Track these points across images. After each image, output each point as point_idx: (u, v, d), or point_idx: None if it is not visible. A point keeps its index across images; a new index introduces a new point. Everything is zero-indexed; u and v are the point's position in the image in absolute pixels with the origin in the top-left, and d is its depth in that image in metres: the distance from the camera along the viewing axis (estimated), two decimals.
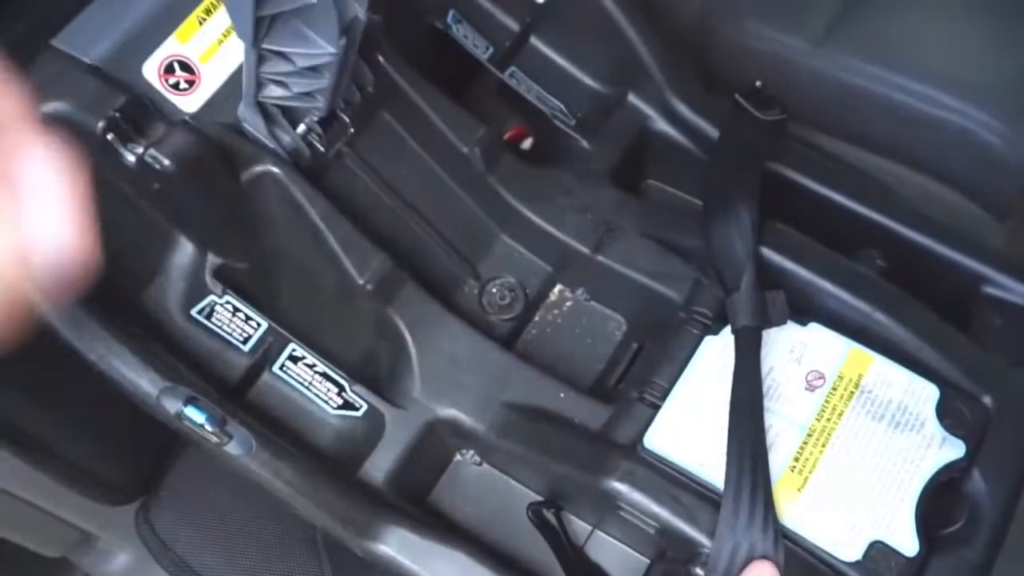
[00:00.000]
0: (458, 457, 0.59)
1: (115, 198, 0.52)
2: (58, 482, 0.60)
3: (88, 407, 0.60)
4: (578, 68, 0.65)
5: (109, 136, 0.48)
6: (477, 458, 0.59)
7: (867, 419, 0.50)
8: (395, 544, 0.51)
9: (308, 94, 0.48)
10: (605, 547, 0.56)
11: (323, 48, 0.42)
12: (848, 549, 0.47)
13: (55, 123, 0.48)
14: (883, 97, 0.67)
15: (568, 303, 0.64)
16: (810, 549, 0.47)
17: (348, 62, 0.47)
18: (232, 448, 0.48)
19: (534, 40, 0.65)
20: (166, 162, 0.46)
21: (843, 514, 0.48)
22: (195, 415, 0.46)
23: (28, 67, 0.49)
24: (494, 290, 0.63)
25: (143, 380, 0.47)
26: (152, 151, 0.46)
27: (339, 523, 0.50)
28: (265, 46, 0.42)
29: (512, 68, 0.64)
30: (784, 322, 0.51)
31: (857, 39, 0.69)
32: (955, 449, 0.50)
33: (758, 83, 0.56)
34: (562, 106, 0.64)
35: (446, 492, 0.59)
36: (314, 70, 0.45)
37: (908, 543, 0.47)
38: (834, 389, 0.51)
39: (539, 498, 0.57)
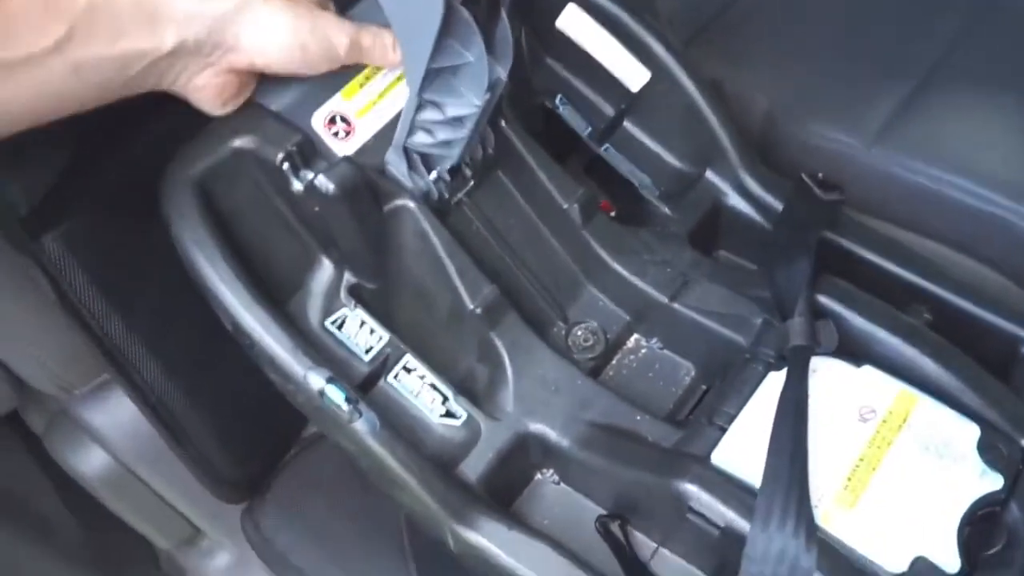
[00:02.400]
0: (539, 476, 0.66)
1: (278, 222, 0.63)
2: (186, 465, 0.68)
3: (222, 407, 0.69)
4: (664, 148, 0.75)
5: (284, 166, 0.59)
6: (556, 477, 0.66)
7: (914, 449, 0.56)
8: (486, 530, 0.58)
9: (447, 143, 0.59)
10: (668, 564, 0.62)
11: (470, 101, 0.53)
12: (894, 562, 0.53)
13: (243, 155, 0.60)
14: (932, 190, 0.76)
15: (643, 350, 0.72)
16: (858, 559, 0.53)
17: (484, 118, 0.57)
18: (360, 425, 0.56)
19: (627, 123, 0.76)
20: (331, 187, 0.57)
21: (891, 531, 0.54)
22: (334, 392, 0.55)
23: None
24: (579, 332, 0.71)
25: (294, 360, 0.56)
26: (321, 177, 0.57)
27: (440, 504, 0.58)
28: (426, 95, 0.53)
29: (607, 145, 0.75)
30: (833, 347, 0.58)
31: (908, 139, 0.79)
32: (994, 482, 0.55)
33: (820, 175, 0.66)
34: (648, 179, 0.75)
35: (526, 505, 0.66)
36: (458, 120, 0.56)
37: (951, 561, 0.52)
38: (884, 422, 0.58)
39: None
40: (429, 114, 0.56)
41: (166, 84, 0.54)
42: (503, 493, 0.64)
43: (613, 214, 0.78)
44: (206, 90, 0.55)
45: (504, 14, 0.50)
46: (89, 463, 0.70)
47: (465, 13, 0.47)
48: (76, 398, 0.66)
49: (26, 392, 0.67)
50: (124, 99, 0.56)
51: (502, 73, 0.52)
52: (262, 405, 0.61)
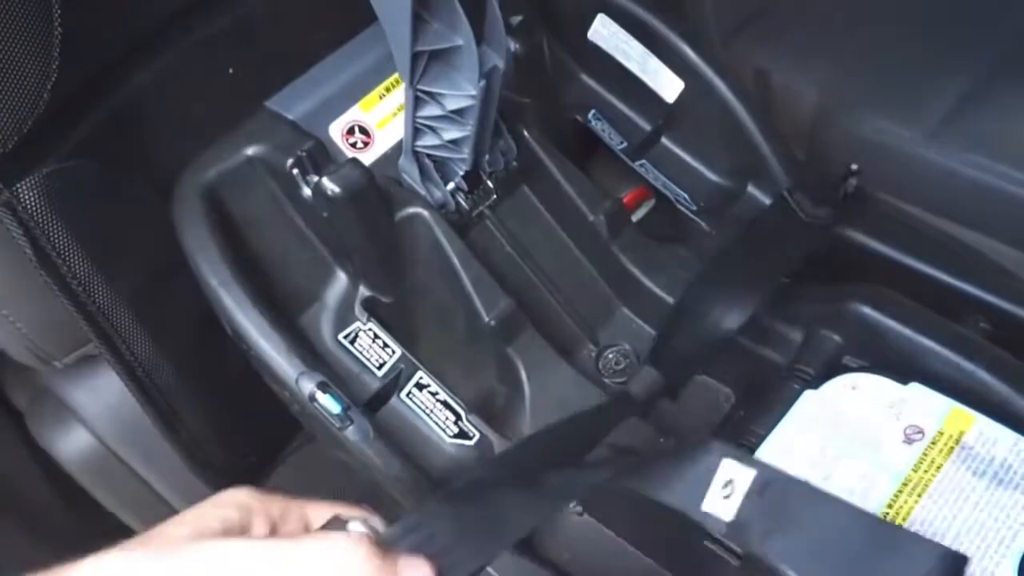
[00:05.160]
0: None
1: (291, 232, 0.62)
2: (176, 449, 0.64)
3: (218, 387, 0.66)
4: (703, 164, 0.72)
5: (295, 171, 0.58)
6: (579, 508, 0.61)
7: (967, 474, 0.49)
8: None
9: (455, 143, 0.57)
10: None
11: (465, 90, 0.52)
12: None
13: (256, 162, 0.60)
14: (994, 187, 0.69)
15: None
16: None
17: (489, 115, 0.56)
18: (351, 433, 0.53)
19: (664, 140, 0.72)
20: (336, 189, 0.55)
21: None
22: (324, 398, 0.53)
23: (245, 122, 0.61)
24: (610, 355, 0.67)
25: (287, 363, 0.54)
26: (325, 179, 0.56)
27: None
28: (419, 87, 0.52)
29: (642, 161, 0.72)
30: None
31: (970, 133, 0.72)
32: None
33: (853, 166, 0.60)
34: (685, 194, 0.71)
35: (548, 537, 0.61)
36: (459, 114, 0.54)
37: None
38: (933, 443, 0.51)
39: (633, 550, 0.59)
40: (429, 109, 0.54)
41: None
42: None
43: (650, 205, 0.74)
44: None
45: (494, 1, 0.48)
46: (71, 444, 0.66)
47: None
48: (58, 372, 0.62)
49: (8, 364, 0.63)
50: (105, 49, 0.54)
51: (498, 61, 0.50)
52: (262, 391, 0.58)
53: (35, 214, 0.51)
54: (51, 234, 0.51)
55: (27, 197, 0.50)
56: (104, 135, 0.55)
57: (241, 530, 0.39)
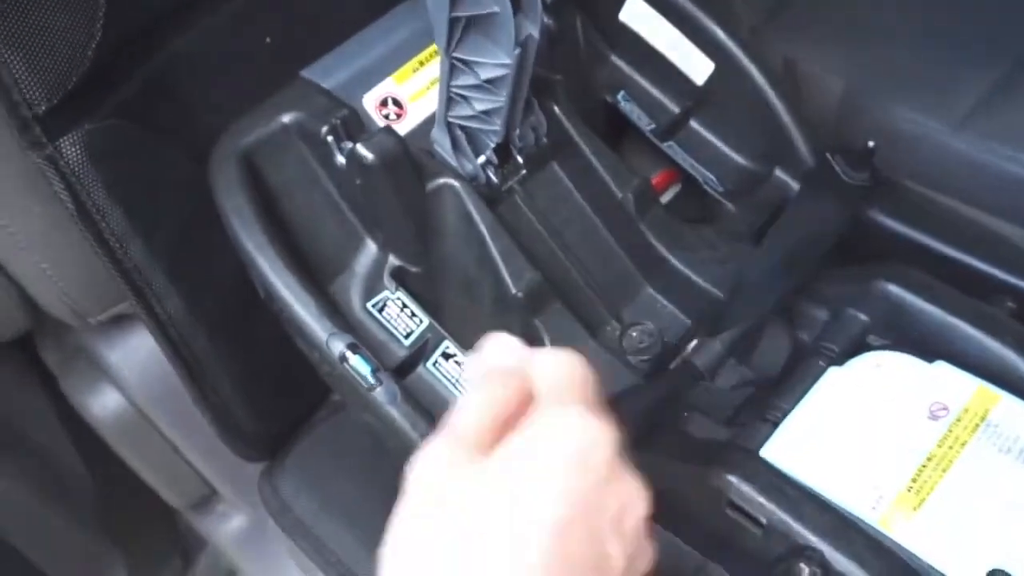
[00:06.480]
0: None
1: (324, 200, 0.63)
2: (204, 413, 0.65)
3: (249, 354, 0.67)
4: (730, 147, 0.72)
5: (329, 138, 0.59)
6: None
7: (992, 451, 0.49)
8: None
9: (487, 114, 0.58)
10: None
11: (500, 59, 0.52)
12: (965, 572, 0.46)
13: (291, 129, 0.61)
14: (1019, 175, 0.69)
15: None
16: (922, 567, 0.46)
17: (522, 85, 0.56)
18: (379, 394, 0.54)
19: (693, 122, 0.73)
20: (370, 156, 0.56)
21: (962, 538, 0.47)
22: (355, 359, 0.54)
23: (281, 90, 0.62)
24: (634, 334, 0.67)
25: (318, 325, 0.55)
26: (360, 146, 0.57)
27: None
28: (455, 54, 0.53)
29: (670, 142, 0.72)
30: None
31: (999, 124, 0.72)
32: None
33: (871, 143, 0.60)
34: (712, 176, 0.71)
35: None
36: (493, 84, 0.55)
37: None
38: (958, 420, 0.51)
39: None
40: (463, 79, 0.55)
41: None
42: None
43: (676, 189, 0.75)
44: None
45: None
46: (103, 404, 0.67)
47: None
48: (92, 330, 0.63)
49: (43, 322, 0.64)
50: (147, 13, 0.55)
51: (532, 30, 0.51)
52: (292, 359, 0.58)
53: (76, 169, 0.52)
54: (91, 190, 0.53)
55: (69, 152, 0.51)
56: (143, 98, 0.56)
57: None
